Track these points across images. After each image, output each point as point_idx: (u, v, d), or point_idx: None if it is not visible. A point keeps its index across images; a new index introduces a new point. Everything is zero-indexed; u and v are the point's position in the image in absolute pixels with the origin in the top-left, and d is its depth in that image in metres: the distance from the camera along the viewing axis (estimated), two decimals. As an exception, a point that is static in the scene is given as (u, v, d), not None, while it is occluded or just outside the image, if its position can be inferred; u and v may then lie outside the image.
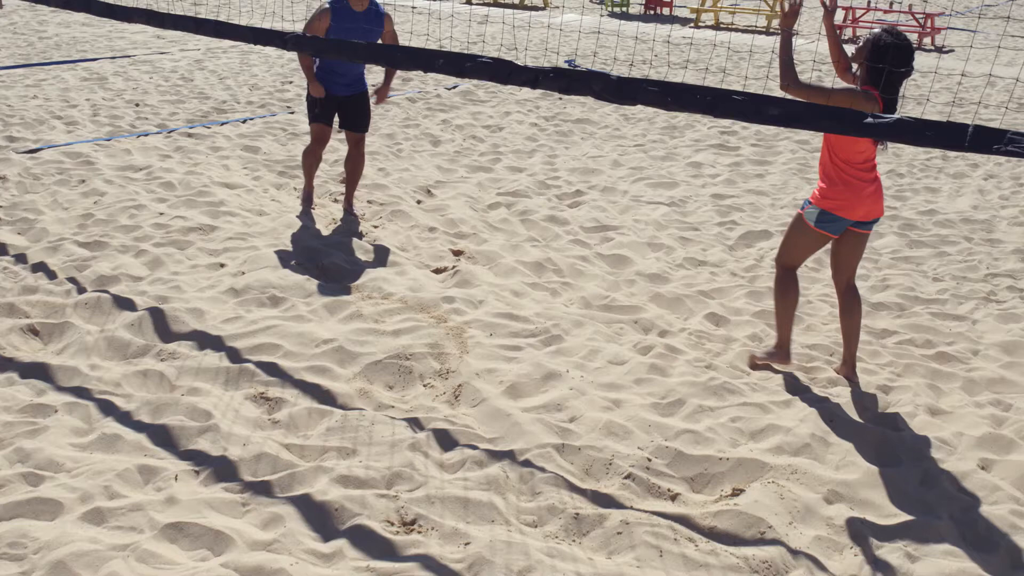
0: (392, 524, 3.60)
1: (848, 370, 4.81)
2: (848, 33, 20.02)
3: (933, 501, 3.82)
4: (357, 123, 6.93)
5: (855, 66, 4.60)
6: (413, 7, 7.59)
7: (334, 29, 6.32)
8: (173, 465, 3.90)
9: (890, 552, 3.51)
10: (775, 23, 21.86)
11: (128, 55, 13.57)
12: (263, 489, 3.78)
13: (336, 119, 6.93)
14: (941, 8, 25.28)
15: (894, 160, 9.67)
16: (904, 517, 3.71)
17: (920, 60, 16.32)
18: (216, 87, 11.51)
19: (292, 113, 10.30)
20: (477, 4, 23.64)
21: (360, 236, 6.59)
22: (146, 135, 8.99)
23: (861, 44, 4.47)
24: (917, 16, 19.62)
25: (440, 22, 19.10)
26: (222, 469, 3.89)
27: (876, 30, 4.45)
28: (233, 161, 8.26)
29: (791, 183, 8.60)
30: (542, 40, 16.42)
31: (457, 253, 6.40)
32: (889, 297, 5.98)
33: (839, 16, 21.96)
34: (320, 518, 3.60)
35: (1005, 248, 7.04)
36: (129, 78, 11.76)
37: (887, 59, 4.31)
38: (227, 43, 15.13)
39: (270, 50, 14.65)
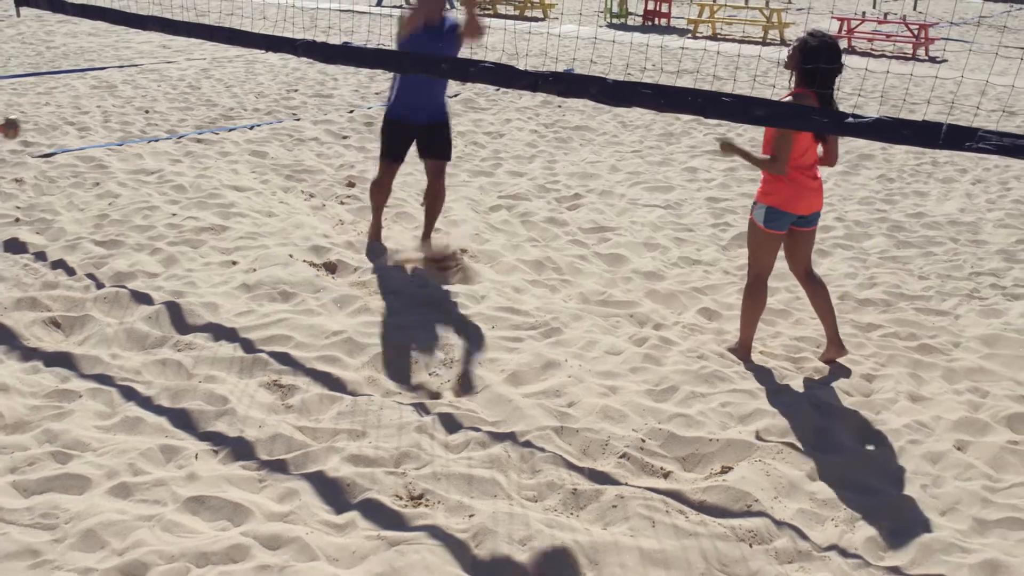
0: (401, 498, 3.82)
1: (836, 350, 5.05)
2: (844, 44, 20.31)
3: (910, 477, 4.05)
4: (438, 151, 6.43)
5: (790, 73, 4.81)
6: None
7: (409, 42, 6.03)
8: (193, 445, 4.13)
9: (869, 524, 3.73)
10: (771, 34, 22.17)
11: (135, 64, 13.84)
12: (278, 467, 4.00)
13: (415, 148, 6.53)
14: (935, 19, 25.59)
15: (884, 165, 9.92)
16: (883, 492, 3.94)
17: (915, 69, 16.58)
18: (223, 95, 11.77)
19: (298, 120, 10.55)
20: (477, 15, 23.94)
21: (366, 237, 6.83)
22: (156, 140, 9.23)
23: (790, 51, 4.72)
24: (911, 27, 19.92)
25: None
26: (239, 449, 4.12)
27: (801, 35, 4.72)
28: (241, 165, 8.51)
29: (784, 187, 8.85)
30: (542, 50, 16.68)
31: (462, 252, 6.63)
32: (875, 294, 6.21)
33: (835, 26, 22.25)
34: (333, 493, 3.83)
35: (990, 248, 7.28)
36: (138, 86, 12.02)
37: (820, 59, 4.57)
38: (232, 53, 15.39)
39: (274, 59, 14.93)
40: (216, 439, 4.19)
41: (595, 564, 3.45)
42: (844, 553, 3.56)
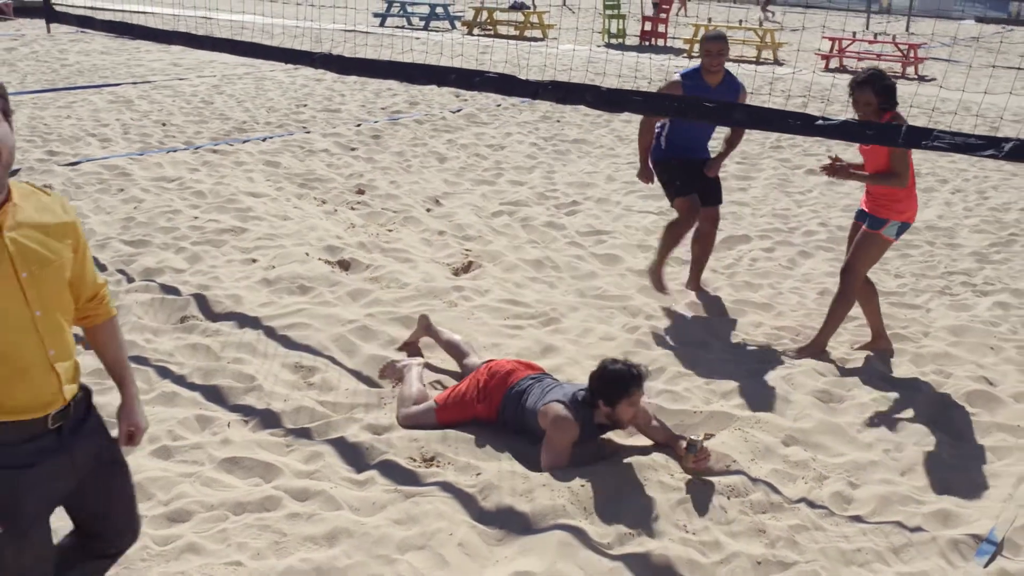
0: (415, 460, 4.24)
1: (884, 342, 5.55)
2: (835, 63, 20.85)
3: (874, 443, 4.48)
4: (710, 195, 6.24)
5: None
6: (416, 38, 8.29)
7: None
8: (225, 416, 4.55)
9: (836, 481, 4.16)
10: (764, 53, 22.71)
11: (148, 80, 14.33)
12: (303, 434, 4.43)
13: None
14: (925, 39, 26.16)
15: (869, 176, 10.37)
16: (849, 455, 4.37)
17: (903, 88, 17.09)
18: (235, 109, 12.25)
19: (308, 133, 11.02)
20: (478, 35, 24.49)
21: (380, 239, 7.28)
22: (175, 151, 9.70)
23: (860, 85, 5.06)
24: (900, 46, 20.46)
25: (441, 53, 19.92)
26: (267, 419, 4.54)
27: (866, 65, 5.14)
28: (256, 174, 8.96)
29: (771, 196, 9.30)
30: (540, 68, 17.19)
31: (466, 251, 7.07)
32: (853, 290, 6.64)
33: (826, 46, 22.80)
34: (353, 455, 4.25)
35: (963, 251, 7.72)
36: (153, 101, 12.50)
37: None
38: (241, 70, 15.89)
39: (283, 76, 15.42)
40: (246, 411, 4.61)
41: (589, 513, 3.87)
42: (812, 505, 3.98)
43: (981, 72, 19.86)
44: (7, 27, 20.90)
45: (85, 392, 2.63)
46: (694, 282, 6.42)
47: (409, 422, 4.53)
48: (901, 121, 4.99)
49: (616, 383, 4.12)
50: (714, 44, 5.82)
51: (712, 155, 6.32)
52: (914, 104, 14.34)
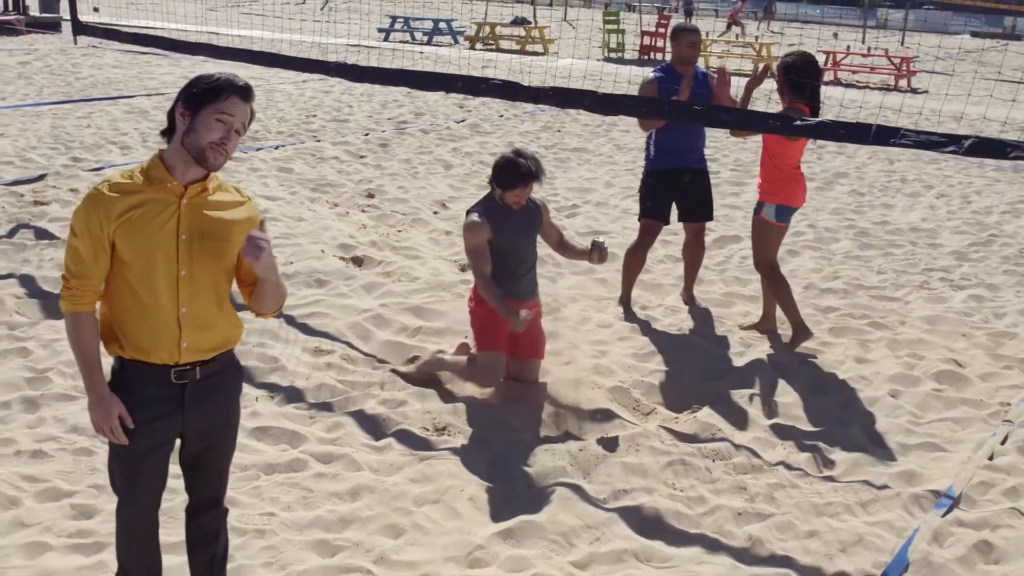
0: (428, 430, 4.65)
1: (768, 323, 5.90)
2: (830, 76, 21.34)
3: (849, 417, 4.88)
4: (697, 211, 6.33)
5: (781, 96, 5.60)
6: (420, 52, 8.72)
7: (664, 93, 6.00)
8: (253, 392, 4.95)
9: (812, 448, 4.56)
10: (760, 66, 23.19)
11: (161, 93, 14.79)
12: (325, 407, 4.83)
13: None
14: (916, 53, 26.66)
15: (857, 182, 10.81)
16: (826, 426, 4.77)
17: (896, 100, 17.54)
18: (247, 120, 12.69)
19: (319, 141, 11.46)
20: (481, 49, 24.99)
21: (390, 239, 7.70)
22: (192, 158, 10.12)
23: (777, 74, 5.53)
24: (893, 59, 20.94)
25: (448, 65, 20.40)
26: (291, 394, 4.95)
27: (784, 58, 5.55)
28: (271, 179, 9.39)
29: (763, 200, 9.72)
30: (541, 80, 17.65)
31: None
32: (836, 285, 7.06)
33: (821, 59, 23.31)
34: (372, 425, 4.66)
35: (944, 250, 8.14)
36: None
37: (811, 75, 5.44)
38: (252, 82, 16.29)
39: (291, 88, 15.89)
40: (271, 388, 5.02)
41: (587, 474, 4.27)
42: (789, 467, 4.39)
43: (975, 85, 20.32)
44: (20, 42, 21.40)
45: (225, 369, 2.94)
46: (687, 292, 6.52)
47: (475, 377, 4.95)
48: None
49: (505, 169, 4.83)
50: (694, 36, 6.17)
51: (707, 163, 6.46)
52: (906, 114, 14.78)
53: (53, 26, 24.09)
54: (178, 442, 2.96)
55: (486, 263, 4.83)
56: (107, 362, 2.77)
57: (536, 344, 5.11)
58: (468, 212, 4.98)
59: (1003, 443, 4.63)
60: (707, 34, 24.71)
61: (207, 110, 2.69)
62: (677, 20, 34.70)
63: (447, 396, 4.96)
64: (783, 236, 5.79)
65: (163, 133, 2.79)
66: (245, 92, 2.74)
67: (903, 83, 20.63)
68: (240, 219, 2.86)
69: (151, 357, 2.77)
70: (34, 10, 25.25)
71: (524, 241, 5.06)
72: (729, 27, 33.50)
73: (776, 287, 5.78)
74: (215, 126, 2.68)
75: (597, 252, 5.03)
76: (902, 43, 33.24)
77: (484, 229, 4.82)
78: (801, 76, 5.46)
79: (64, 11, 25.70)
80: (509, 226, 4.93)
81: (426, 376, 5.11)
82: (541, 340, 5.15)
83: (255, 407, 4.78)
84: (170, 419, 2.83)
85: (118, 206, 2.68)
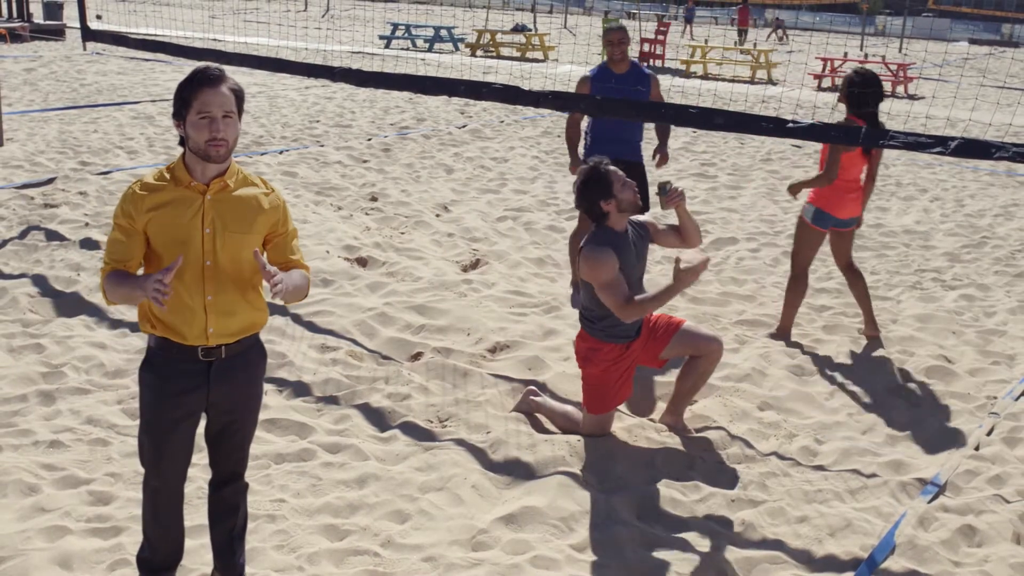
0: (431, 421, 4.80)
1: (871, 329, 6.00)
2: (828, 83, 21.53)
3: (839, 408, 5.03)
4: None
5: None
6: (422, 59, 8.88)
7: (596, 91, 6.23)
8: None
9: (804, 438, 4.71)
10: (759, 73, 23.36)
11: (165, 99, 14.96)
12: (332, 401, 4.99)
13: None
14: (917, 60, 26.84)
15: (853, 186, 10.97)
16: (816, 417, 4.92)
17: (893, 106, 17.73)
18: (251, 125, 12.87)
19: (322, 146, 11.63)
20: (481, 56, 25.18)
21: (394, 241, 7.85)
22: (197, 162, 10.29)
23: (841, 87, 5.72)
24: (890, 66, 21.13)
25: (450, 71, 20.59)
26: (299, 389, 5.10)
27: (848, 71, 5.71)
28: (275, 183, 9.55)
29: (759, 203, 9.89)
30: (542, 87, 17.85)
31: (474, 251, 7.65)
32: (831, 284, 7.21)
33: (818, 66, 23.48)
34: (377, 417, 4.81)
35: (936, 252, 8.29)
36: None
37: (860, 86, 5.58)
38: (255, 88, 16.53)
39: (294, 95, 16.06)
40: (280, 382, 5.17)
41: (585, 463, 4.42)
42: (781, 457, 4.53)
43: (970, 91, 20.50)
44: (24, 48, 21.59)
45: (250, 352, 3.12)
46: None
47: (580, 432, 4.66)
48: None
49: (596, 183, 4.39)
50: (615, 34, 6.30)
51: (643, 156, 6.59)
52: (899, 118, 14.95)
53: (57, 33, 24.30)
54: (203, 423, 3.16)
55: (624, 287, 4.40)
56: (139, 341, 2.93)
57: (669, 324, 4.75)
58: (586, 246, 4.45)
59: (989, 434, 4.79)
60: (705, 41, 24.92)
61: (189, 115, 2.87)
62: (676, 28, 34.91)
63: (449, 390, 5.11)
64: (821, 241, 5.89)
65: (181, 143, 3.00)
66: (209, 79, 2.87)
67: (900, 89, 20.81)
68: (263, 209, 3.04)
69: (180, 339, 2.96)
70: (38, 17, 25.47)
71: (642, 265, 4.70)
72: (741, 34, 33.59)
73: (793, 287, 5.94)
74: (201, 124, 2.85)
75: (665, 196, 4.48)
76: (900, 50, 33.45)
77: (613, 259, 4.38)
78: (859, 92, 5.58)
79: (67, 18, 25.94)
80: (628, 252, 4.52)
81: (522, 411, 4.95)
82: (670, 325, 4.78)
83: (264, 400, 4.92)
84: (197, 393, 3.03)
85: (147, 202, 2.91)
